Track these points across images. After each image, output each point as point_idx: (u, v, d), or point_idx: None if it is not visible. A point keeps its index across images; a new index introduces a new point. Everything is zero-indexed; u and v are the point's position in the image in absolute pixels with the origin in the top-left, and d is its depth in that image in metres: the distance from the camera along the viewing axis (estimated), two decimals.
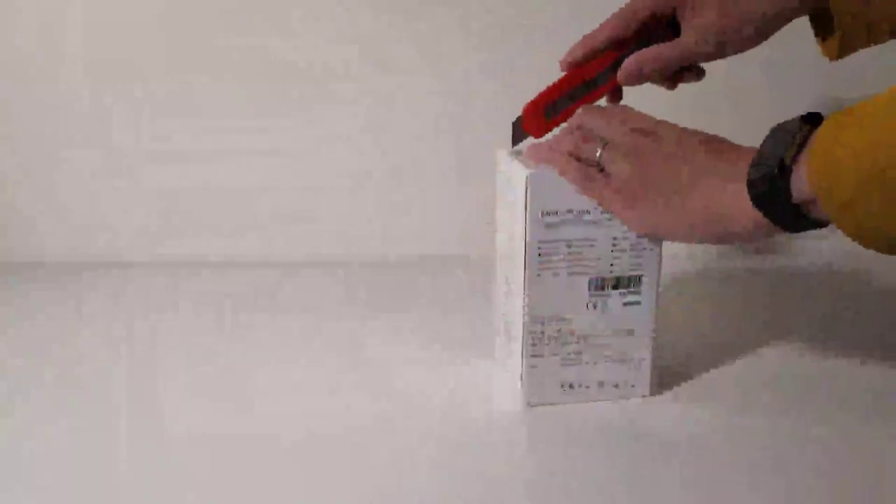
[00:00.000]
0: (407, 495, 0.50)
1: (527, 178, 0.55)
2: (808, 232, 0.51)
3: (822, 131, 0.47)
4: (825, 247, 0.92)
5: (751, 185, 0.49)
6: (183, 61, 0.91)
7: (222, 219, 0.94)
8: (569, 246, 0.56)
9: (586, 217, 0.56)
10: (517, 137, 0.62)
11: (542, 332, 0.58)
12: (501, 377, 0.64)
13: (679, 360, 0.66)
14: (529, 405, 0.60)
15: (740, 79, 0.87)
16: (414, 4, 0.91)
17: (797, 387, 0.63)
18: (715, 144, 0.54)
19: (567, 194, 0.55)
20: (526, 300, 0.57)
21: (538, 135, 0.61)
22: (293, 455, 0.54)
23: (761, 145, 0.50)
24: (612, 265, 0.57)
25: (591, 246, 0.56)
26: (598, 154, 0.55)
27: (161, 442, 0.56)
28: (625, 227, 0.56)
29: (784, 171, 0.48)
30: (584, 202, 0.55)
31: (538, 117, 0.61)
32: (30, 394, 0.63)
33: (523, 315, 0.58)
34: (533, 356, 0.59)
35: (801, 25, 0.62)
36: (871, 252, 0.49)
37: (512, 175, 0.58)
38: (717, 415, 0.59)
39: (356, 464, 0.53)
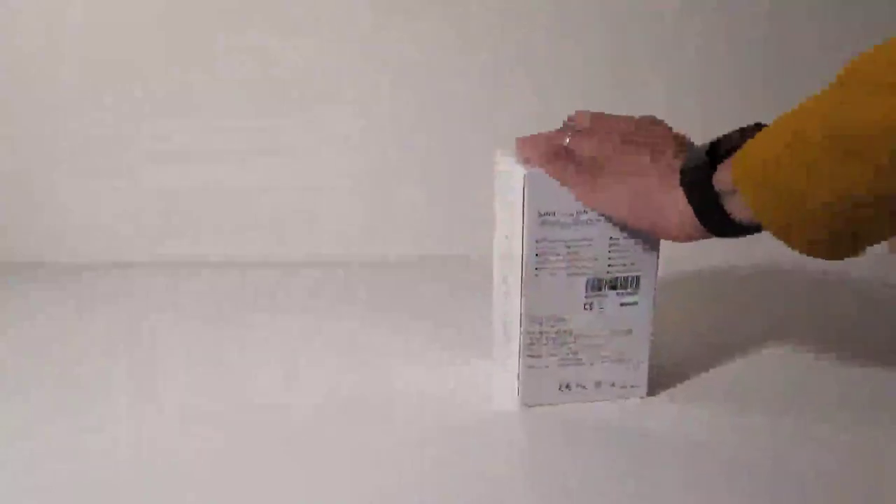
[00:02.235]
0: (406, 495, 0.50)
1: (525, 177, 0.55)
2: None
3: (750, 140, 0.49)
4: None
5: (682, 171, 0.52)
6: (183, 61, 0.91)
7: (222, 219, 0.94)
8: (567, 246, 0.56)
9: (584, 217, 0.56)
10: None
11: (540, 333, 0.58)
12: (500, 377, 0.64)
13: (676, 360, 0.66)
14: (527, 406, 0.60)
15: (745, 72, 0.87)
16: (414, 4, 0.92)
17: (795, 387, 0.63)
18: (679, 140, 0.55)
19: (565, 194, 0.55)
20: (523, 300, 0.57)
21: None
22: (293, 455, 0.54)
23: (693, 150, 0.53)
24: (609, 266, 0.57)
25: (589, 246, 0.56)
26: (566, 141, 0.57)
27: (161, 442, 0.56)
28: (623, 228, 0.56)
29: (713, 158, 0.50)
30: (582, 202, 0.56)
31: None
32: (30, 394, 0.63)
33: (521, 315, 0.58)
34: (530, 356, 0.59)
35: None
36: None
37: (510, 175, 0.58)
38: (714, 415, 0.59)
39: (355, 464, 0.53)
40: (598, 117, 0.58)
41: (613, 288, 0.58)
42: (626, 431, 0.57)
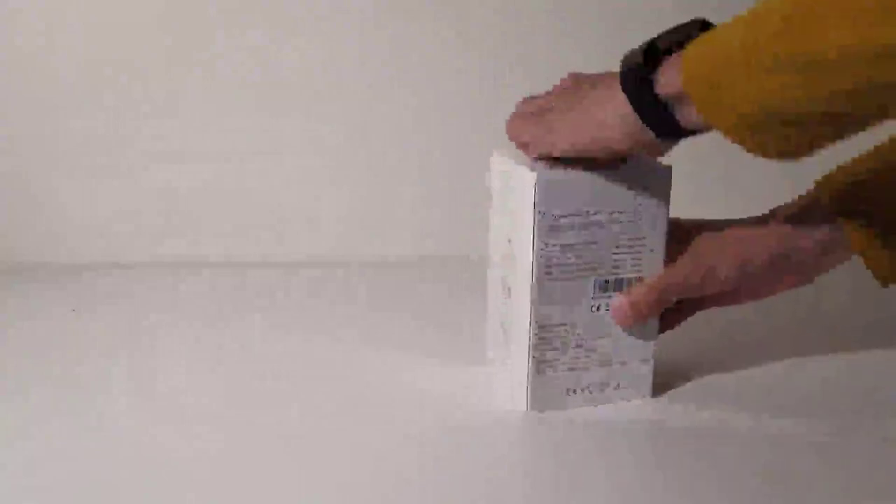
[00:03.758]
0: (410, 500, 0.50)
1: (535, 181, 0.54)
2: None
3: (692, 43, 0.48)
4: None
5: (621, 74, 0.50)
6: (183, 61, 0.91)
7: (222, 219, 0.94)
8: (574, 249, 0.56)
9: (592, 219, 0.55)
10: None
11: (548, 337, 0.57)
12: (499, 380, 0.63)
13: (679, 360, 0.66)
14: (536, 412, 0.59)
15: None
16: (414, 5, 0.91)
17: (797, 387, 0.63)
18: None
19: (573, 196, 0.55)
20: (533, 306, 0.56)
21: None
22: (292, 455, 0.54)
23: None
24: (614, 267, 0.57)
25: (595, 248, 0.56)
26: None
27: (160, 442, 0.56)
28: (627, 228, 0.56)
29: (649, 55, 0.49)
30: (589, 203, 0.55)
31: None
32: (30, 394, 0.63)
33: (530, 320, 0.57)
34: (539, 361, 0.58)
35: None
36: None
37: (516, 178, 0.57)
38: (717, 415, 0.59)
39: (356, 466, 0.53)
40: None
41: (619, 289, 0.57)
42: (630, 433, 0.57)
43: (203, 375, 0.66)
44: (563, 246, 0.55)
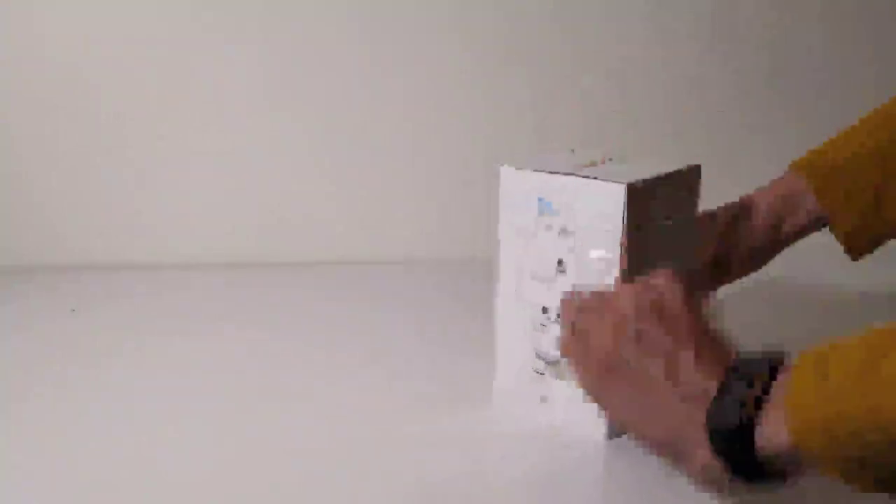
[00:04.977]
0: None
1: (625, 192, 0.50)
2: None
3: (795, 382, 0.41)
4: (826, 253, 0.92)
5: (712, 434, 0.42)
6: (183, 61, 0.90)
7: (222, 219, 0.94)
8: (642, 257, 0.53)
9: (660, 223, 0.54)
10: None
11: None
12: (545, 415, 0.58)
13: None
14: (611, 438, 0.55)
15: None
16: (414, 6, 0.91)
17: None
18: (698, 330, 0.46)
19: (648, 204, 0.52)
20: None
21: None
22: (291, 456, 0.54)
23: (720, 388, 0.43)
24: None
25: (652, 255, 0.53)
26: (573, 320, 0.50)
27: (160, 444, 0.56)
28: (678, 232, 0.55)
29: (746, 421, 0.41)
30: (655, 211, 0.53)
31: None
32: (29, 394, 0.63)
33: None
34: None
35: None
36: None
37: (575, 191, 0.52)
38: None
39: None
40: (598, 296, 0.49)
41: None
42: None
43: (202, 376, 0.66)
44: (637, 255, 0.52)
